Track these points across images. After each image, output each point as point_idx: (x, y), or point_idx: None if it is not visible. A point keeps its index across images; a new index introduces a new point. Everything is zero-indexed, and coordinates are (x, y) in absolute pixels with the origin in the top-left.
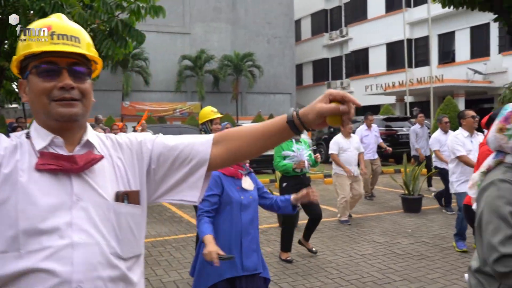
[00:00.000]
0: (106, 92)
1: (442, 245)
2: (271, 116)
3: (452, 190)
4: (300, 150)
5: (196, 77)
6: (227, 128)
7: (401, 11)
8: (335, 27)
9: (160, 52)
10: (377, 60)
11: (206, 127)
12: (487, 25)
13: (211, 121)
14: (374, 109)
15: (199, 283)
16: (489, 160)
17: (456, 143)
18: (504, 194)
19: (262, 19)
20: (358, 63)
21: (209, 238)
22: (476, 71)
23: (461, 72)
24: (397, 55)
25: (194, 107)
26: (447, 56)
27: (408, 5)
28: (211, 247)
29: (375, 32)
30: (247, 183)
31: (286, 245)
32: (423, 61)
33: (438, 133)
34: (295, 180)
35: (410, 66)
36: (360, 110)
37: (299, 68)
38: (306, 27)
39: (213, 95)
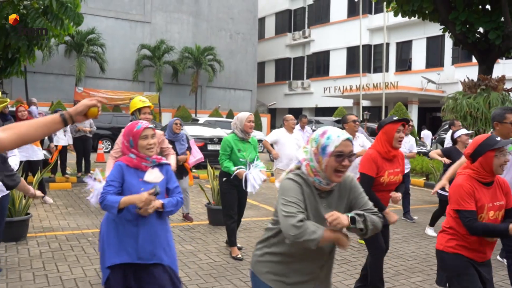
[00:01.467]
0: (59, 76)
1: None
2: (230, 112)
3: None
4: (253, 166)
5: (155, 67)
6: (176, 123)
7: (362, 17)
8: (299, 28)
9: (119, 39)
10: (337, 63)
11: (135, 117)
12: (442, 36)
13: (139, 110)
14: (332, 111)
15: (102, 262)
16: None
17: None
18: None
19: (225, 14)
20: (319, 64)
21: (126, 198)
22: (429, 80)
23: (416, 80)
24: (356, 59)
25: (152, 98)
26: (404, 64)
27: (369, 11)
28: (140, 196)
29: (336, 36)
30: (152, 175)
31: (230, 239)
32: (381, 67)
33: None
34: (235, 178)
35: (368, 71)
36: (319, 112)
37: (262, 65)
38: (270, 26)
39: (171, 87)
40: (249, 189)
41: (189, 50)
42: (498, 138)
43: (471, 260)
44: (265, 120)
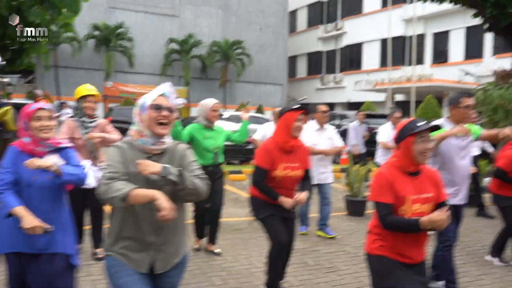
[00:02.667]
0: (89, 70)
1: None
2: (259, 107)
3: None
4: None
5: (183, 61)
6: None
7: (396, 7)
8: (331, 20)
9: (147, 33)
10: (371, 56)
11: (79, 104)
12: (482, 26)
13: (84, 98)
14: (357, 105)
15: None
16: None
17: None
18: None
19: (254, 7)
20: (352, 57)
21: (21, 211)
22: (467, 72)
23: (453, 73)
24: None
25: (180, 92)
26: (441, 56)
27: (403, 0)
28: (31, 221)
29: (369, 27)
30: (49, 162)
31: (197, 232)
32: (417, 59)
33: (387, 126)
34: (203, 170)
35: (402, 63)
36: (352, 107)
37: (293, 59)
38: (302, 18)
39: (200, 81)
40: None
41: (218, 44)
42: (420, 123)
43: (398, 263)
44: None
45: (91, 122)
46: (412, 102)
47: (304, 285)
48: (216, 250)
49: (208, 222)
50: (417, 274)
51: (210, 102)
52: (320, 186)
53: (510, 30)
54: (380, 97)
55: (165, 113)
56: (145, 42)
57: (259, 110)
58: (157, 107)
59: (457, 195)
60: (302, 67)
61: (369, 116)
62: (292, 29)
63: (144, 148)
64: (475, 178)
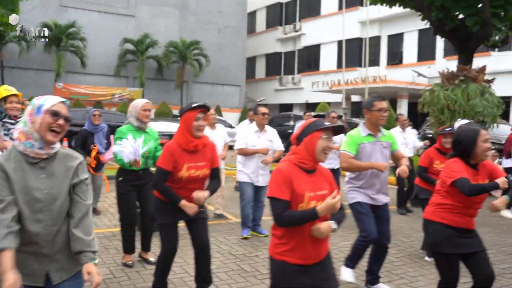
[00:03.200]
0: (38, 71)
1: None
2: (217, 108)
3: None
4: (135, 143)
5: (138, 62)
6: (94, 115)
7: (352, 9)
8: (290, 21)
9: (101, 33)
10: (328, 57)
11: (1, 107)
12: None
13: (4, 100)
14: (315, 106)
15: None
16: None
17: (241, 136)
18: None
19: (213, 7)
20: (309, 59)
21: None
22: (420, 74)
23: (407, 74)
24: (346, 53)
25: (135, 93)
26: (395, 58)
27: (360, 3)
28: None
29: (327, 29)
30: None
31: (124, 246)
32: (373, 60)
33: (395, 131)
34: (131, 175)
35: (359, 65)
36: (310, 107)
37: (252, 60)
38: (261, 19)
39: (155, 82)
40: (126, 159)
41: (174, 44)
42: (327, 122)
43: (299, 266)
44: None
45: (13, 123)
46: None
47: None
48: (151, 259)
49: (141, 229)
50: (320, 270)
51: (140, 101)
52: (256, 188)
53: (455, 33)
54: (337, 98)
55: (61, 121)
56: (98, 42)
57: (217, 111)
58: (55, 114)
59: (376, 195)
60: (260, 68)
61: (319, 116)
62: (251, 30)
63: (29, 152)
64: (411, 178)
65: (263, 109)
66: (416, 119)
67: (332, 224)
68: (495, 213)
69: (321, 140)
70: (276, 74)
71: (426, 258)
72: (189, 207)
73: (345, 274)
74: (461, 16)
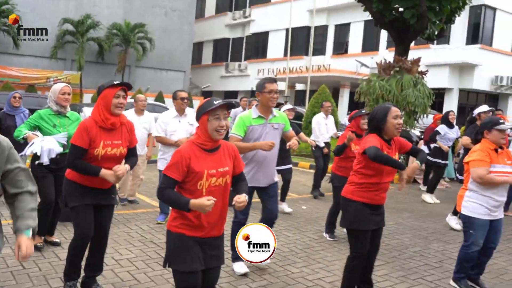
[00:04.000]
0: None
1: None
2: (160, 94)
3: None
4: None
5: (78, 44)
6: (14, 97)
7: None
8: (239, 7)
9: (38, 12)
10: (276, 45)
11: None
12: None
13: None
14: None
15: None
16: None
17: (159, 123)
18: None
19: None
20: (257, 46)
21: None
22: (362, 64)
23: (352, 64)
24: (293, 41)
25: (72, 77)
26: (341, 47)
27: None
28: None
29: (276, 16)
30: None
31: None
32: (319, 49)
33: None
34: (51, 161)
35: (306, 53)
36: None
37: (199, 46)
38: (211, 4)
39: (95, 66)
40: (43, 160)
41: (118, 26)
42: (216, 101)
43: (195, 238)
44: (197, 103)
45: None
46: (307, 91)
47: (155, 281)
48: (56, 240)
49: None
50: (213, 247)
51: (59, 85)
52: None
53: (394, 25)
54: (281, 85)
55: None
56: (35, 21)
57: (160, 97)
58: None
59: (263, 177)
60: (207, 54)
61: (230, 104)
62: (200, 14)
63: None
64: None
65: (182, 94)
66: (357, 108)
67: (207, 200)
68: (419, 200)
69: (211, 121)
70: (223, 60)
71: (326, 235)
72: (110, 175)
73: (237, 267)
74: (401, 8)
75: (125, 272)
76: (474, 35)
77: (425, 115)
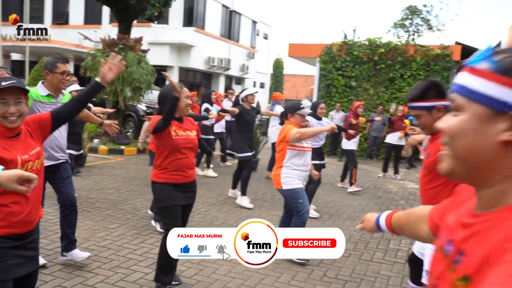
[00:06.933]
0: None
1: None
2: None
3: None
4: None
5: None
6: None
7: None
8: None
9: None
10: None
11: None
12: None
13: None
14: None
15: None
16: None
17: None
18: None
19: None
20: None
21: None
22: (86, 37)
23: (74, 36)
24: (7, 4)
25: None
26: (61, 17)
27: None
28: None
29: None
30: None
31: None
32: (38, 17)
33: None
34: None
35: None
36: None
37: None
38: None
39: None
40: None
41: None
42: (4, 82)
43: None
44: None
45: None
46: (27, 62)
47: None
48: None
49: None
50: (30, 243)
51: None
52: None
53: (115, 4)
54: None
55: None
56: None
57: None
58: None
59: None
60: None
61: None
62: None
63: None
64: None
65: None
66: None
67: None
68: (148, 169)
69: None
70: None
71: (152, 222)
72: None
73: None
74: None
75: None
76: (189, 19)
77: (150, 91)
